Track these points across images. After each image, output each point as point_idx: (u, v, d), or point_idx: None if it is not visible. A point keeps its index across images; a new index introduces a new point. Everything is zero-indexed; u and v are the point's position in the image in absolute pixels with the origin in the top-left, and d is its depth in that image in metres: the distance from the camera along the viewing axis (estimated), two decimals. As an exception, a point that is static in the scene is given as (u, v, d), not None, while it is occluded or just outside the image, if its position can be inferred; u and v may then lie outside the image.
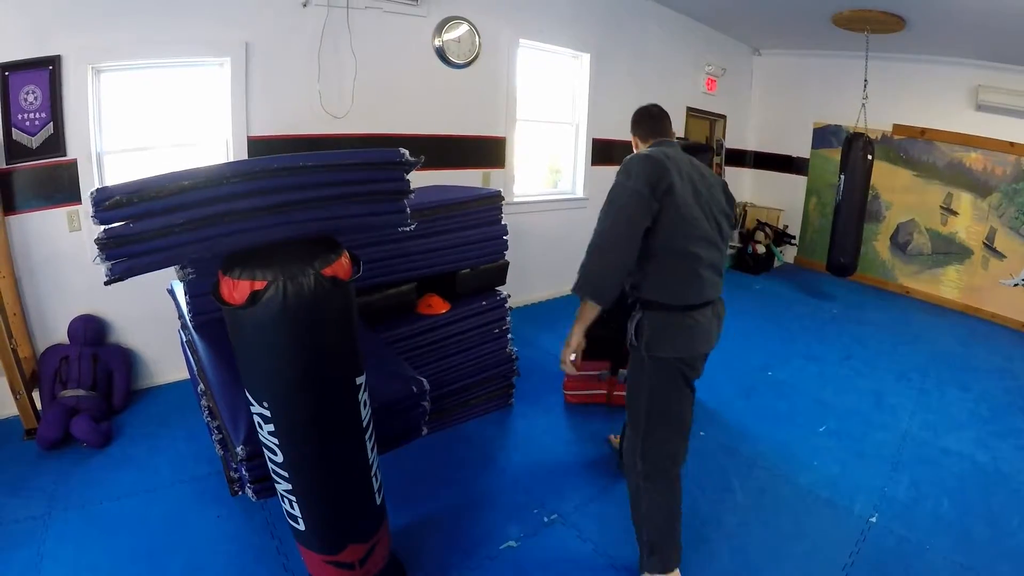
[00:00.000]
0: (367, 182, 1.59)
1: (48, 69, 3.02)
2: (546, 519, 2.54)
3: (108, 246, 1.33)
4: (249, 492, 1.83)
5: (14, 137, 3.01)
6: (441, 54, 4.40)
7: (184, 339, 2.57)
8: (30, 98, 3.00)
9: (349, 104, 3.98)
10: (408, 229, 1.68)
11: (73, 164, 3.18)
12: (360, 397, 1.62)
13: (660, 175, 1.82)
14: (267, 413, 1.52)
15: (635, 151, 2.11)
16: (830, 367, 4.27)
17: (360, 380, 1.62)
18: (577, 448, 3.05)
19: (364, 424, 1.66)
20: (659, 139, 2.11)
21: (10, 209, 3.06)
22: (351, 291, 1.55)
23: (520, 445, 3.06)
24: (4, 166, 3.01)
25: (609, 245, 1.82)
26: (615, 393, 3.41)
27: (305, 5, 3.68)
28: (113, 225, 1.34)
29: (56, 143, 3.12)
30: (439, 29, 4.33)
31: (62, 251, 3.22)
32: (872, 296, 6.25)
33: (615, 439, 2.99)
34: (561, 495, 2.70)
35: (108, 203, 1.31)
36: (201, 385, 2.20)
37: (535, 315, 4.98)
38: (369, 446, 1.70)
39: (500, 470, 2.89)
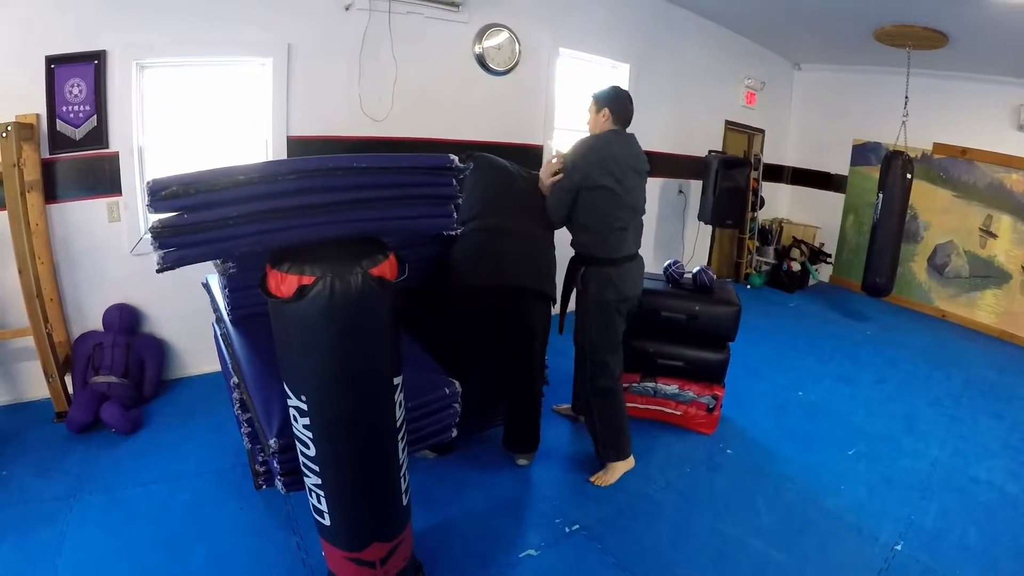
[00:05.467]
0: (417, 186, 1.60)
1: (93, 63, 3.11)
2: (568, 529, 2.52)
3: (162, 235, 1.36)
4: (279, 484, 1.84)
5: (59, 128, 3.09)
6: (481, 61, 4.41)
7: (219, 332, 2.60)
8: (75, 91, 3.08)
9: (389, 108, 4.01)
10: (455, 233, 1.68)
11: (115, 157, 3.26)
12: (396, 397, 1.63)
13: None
14: (304, 407, 1.53)
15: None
16: (862, 389, 4.18)
17: (398, 380, 1.62)
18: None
19: (398, 424, 1.67)
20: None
21: (52, 198, 3.14)
22: (395, 292, 1.56)
23: (546, 453, 3.03)
24: (48, 156, 3.09)
25: None
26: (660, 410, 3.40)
27: (348, 9, 3.73)
28: (167, 215, 1.36)
29: (99, 135, 3.20)
30: (480, 36, 4.34)
31: (101, 241, 3.29)
32: (907, 318, 6.12)
33: (563, 408, 3.47)
34: (585, 506, 2.68)
35: (164, 193, 1.33)
36: (234, 378, 2.22)
37: (566, 325, 4.90)
38: (401, 446, 1.70)
39: (524, 477, 2.87)
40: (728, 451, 3.22)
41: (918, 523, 2.69)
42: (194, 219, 1.36)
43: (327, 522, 1.70)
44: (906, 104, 5.41)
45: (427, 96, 4.19)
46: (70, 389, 3.19)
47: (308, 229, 1.45)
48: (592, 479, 2.84)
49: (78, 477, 2.64)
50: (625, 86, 5.30)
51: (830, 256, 7.10)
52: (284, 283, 1.42)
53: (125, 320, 3.37)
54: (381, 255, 1.51)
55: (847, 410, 3.82)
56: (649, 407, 3.38)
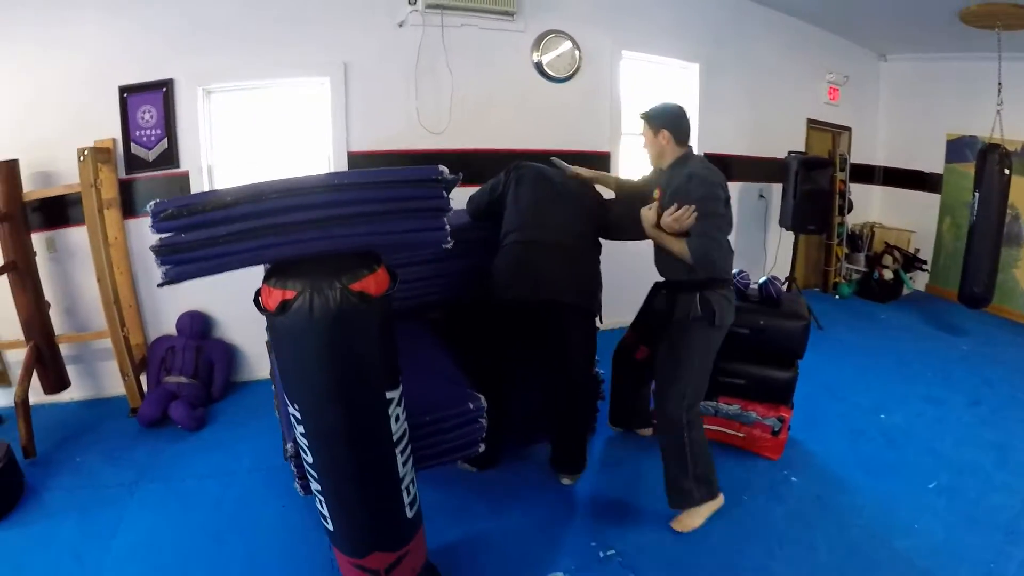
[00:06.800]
0: (406, 199, 1.60)
1: (162, 91, 3.43)
2: (602, 554, 2.41)
3: (162, 253, 1.47)
4: (297, 487, 1.98)
5: (133, 151, 3.44)
6: (540, 68, 4.36)
7: (268, 339, 2.73)
8: (147, 116, 3.42)
9: (447, 120, 4.06)
10: (448, 246, 1.67)
11: (185, 176, 3.56)
12: (391, 411, 1.63)
13: None
14: (298, 415, 1.60)
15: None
16: (952, 413, 3.75)
17: (392, 395, 1.63)
18: (655, 482, 2.73)
19: (395, 438, 1.67)
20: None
21: (131, 214, 3.49)
22: (384, 306, 1.56)
23: (593, 470, 2.95)
24: (124, 176, 3.44)
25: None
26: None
27: (401, 25, 3.82)
28: (167, 235, 1.47)
29: (170, 156, 3.52)
30: (537, 43, 4.31)
31: (174, 253, 3.54)
32: (1008, 331, 5.43)
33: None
34: (624, 531, 2.55)
35: (163, 215, 1.44)
36: (274, 384, 2.33)
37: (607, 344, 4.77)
38: (400, 460, 1.71)
39: (566, 497, 2.78)
40: (793, 479, 2.96)
41: (999, 572, 2.36)
42: (189, 238, 1.45)
43: (331, 527, 1.76)
44: (1000, 92, 4.82)
45: (486, 106, 4.21)
46: (145, 388, 3.47)
47: (300, 245, 1.49)
48: (674, 525, 2.55)
49: (143, 467, 2.92)
50: (695, 87, 5.16)
51: (926, 263, 6.46)
52: (270, 297, 1.47)
53: (196, 325, 3.62)
54: (366, 270, 1.51)
55: (933, 436, 3.43)
56: (709, 427, 3.16)
